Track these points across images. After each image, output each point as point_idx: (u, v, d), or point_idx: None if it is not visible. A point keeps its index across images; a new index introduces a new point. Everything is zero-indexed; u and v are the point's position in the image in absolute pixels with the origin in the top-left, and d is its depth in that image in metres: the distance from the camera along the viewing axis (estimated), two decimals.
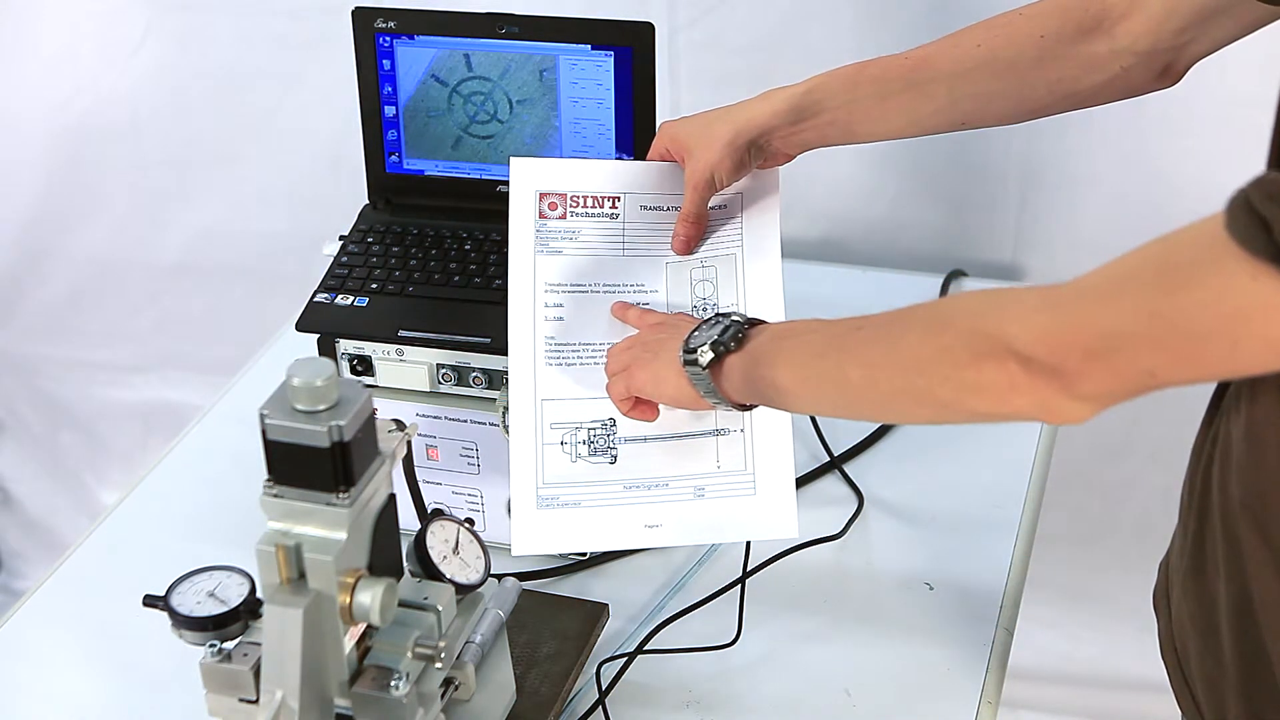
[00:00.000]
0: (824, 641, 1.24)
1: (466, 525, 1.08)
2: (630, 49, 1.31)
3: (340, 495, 0.91)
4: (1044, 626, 1.96)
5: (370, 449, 0.94)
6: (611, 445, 1.13)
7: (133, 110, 2.02)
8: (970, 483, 1.41)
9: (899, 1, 1.68)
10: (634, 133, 1.33)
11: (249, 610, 0.96)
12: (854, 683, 1.19)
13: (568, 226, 1.18)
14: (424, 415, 1.30)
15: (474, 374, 1.28)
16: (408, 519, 1.04)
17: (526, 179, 1.19)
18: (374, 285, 1.32)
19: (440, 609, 1.00)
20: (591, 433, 1.13)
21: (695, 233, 1.18)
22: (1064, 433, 1.50)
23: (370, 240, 1.37)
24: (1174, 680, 1.01)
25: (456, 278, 1.32)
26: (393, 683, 0.95)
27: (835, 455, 1.43)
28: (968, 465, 1.42)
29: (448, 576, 1.03)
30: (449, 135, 1.38)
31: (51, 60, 2.02)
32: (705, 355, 1.01)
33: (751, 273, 1.17)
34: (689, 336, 1.04)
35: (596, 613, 1.22)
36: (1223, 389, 0.93)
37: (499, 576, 1.12)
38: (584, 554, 1.31)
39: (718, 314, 1.06)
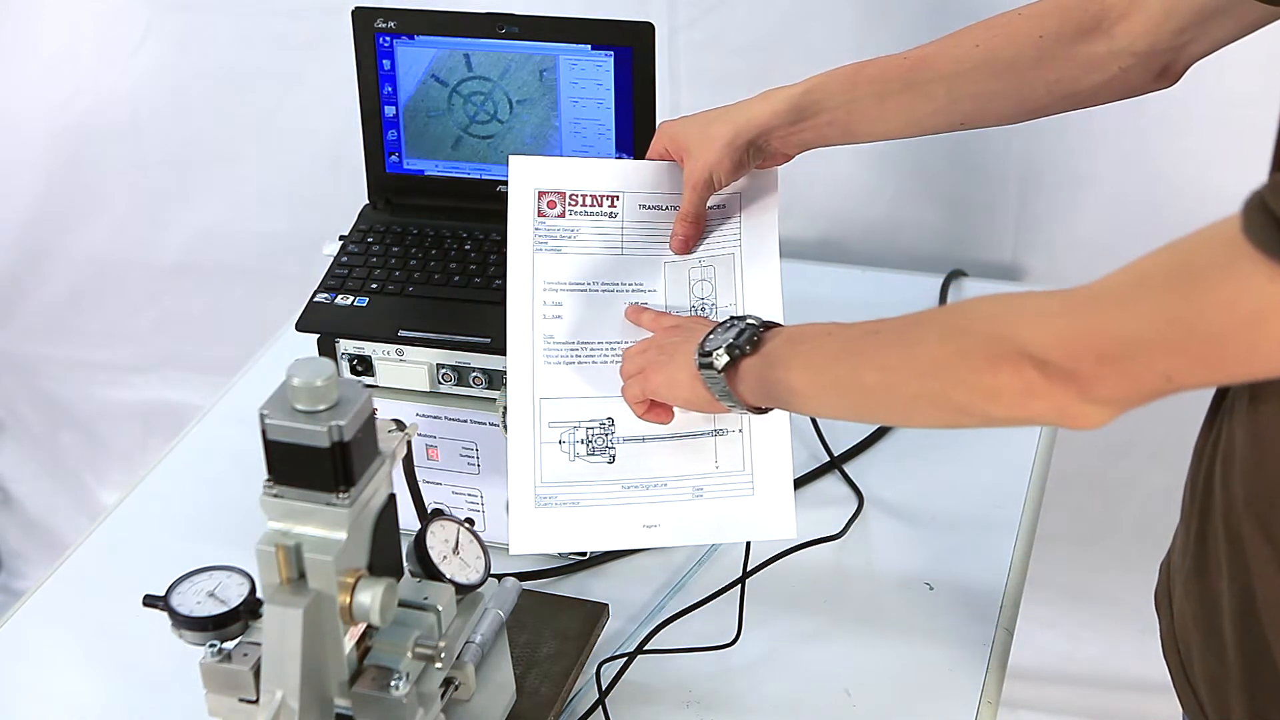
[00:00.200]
0: (824, 641, 1.24)
1: (466, 525, 1.08)
2: (630, 49, 1.31)
3: (340, 495, 0.91)
4: (1044, 626, 1.96)
5: (370, 449, 0.94)
6: (610, 445, 1.13)
7: (133, 110, 2.03)
8: (970, 483, 1.41)
9: (899, 1, 1.68)
10: (634, 133, 1.33)
11: (249, 610, 0.96)
12: (854, 683, 1.19)
13: (567, 225, 1.19)
14: (424, 415, 1.30)
15: (474, 374, 1.28)
16: (408, 519, 1.04)
17: (525, 177, 1.19)
18: (374, 285, 1.32)
19: (440, 609, 1.00)
20: (590, 432, 1.13)
21: (694, 232, 1.18)
22: (1064, 432, 1.50)
23: (370, 240, 1.37)
24: (1176, 680, 1.01)
25: (456, 278, 1.32)
26: (393, 683, 0.95)
27: (835, 455, 1.43)
28: (968, 465, 1.42)
29: (448, 576, 1.03)
30: (449, 135, 1.38)
31: (51, 60, 2.02)
32: (720, 359, 1.01)
33: (750, 272, 1.17)
34: (704, 340, 1.04)
35: (596, 613, 1.22)
36: (1225, 389, 0.93)
37: (499, 576, 1.12)
38: (584, 554, 1.32)
39: (733, 317, 1.05)
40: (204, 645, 0.96)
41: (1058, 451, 1.48)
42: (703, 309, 1.17)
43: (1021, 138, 1.71)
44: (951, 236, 1.82)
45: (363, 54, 1.36)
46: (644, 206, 1.20)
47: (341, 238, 1.38)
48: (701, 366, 1.03)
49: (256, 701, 0.94)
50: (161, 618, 0.97)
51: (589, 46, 1.32)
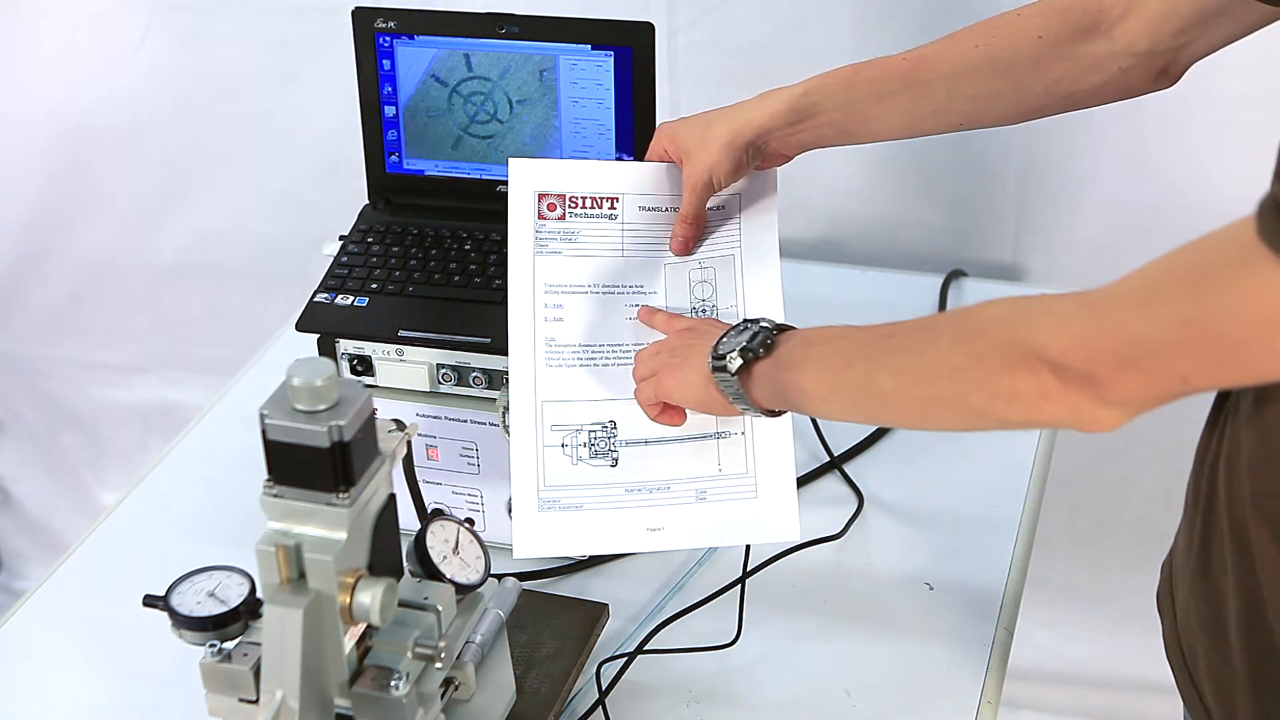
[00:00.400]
0: (824, 641, 1.24)
1: (466, 525, 1.08)
2: (630, 49, 1.31)
3: (340, 495, 0.91)
4: (1044, 626, 1.97)
5: (370, 449, 0.94)
6: (612, 448, 1.13)
7: (133, 110, 2.03)
8: (970, 483, 1.41)
9: (899, 1, 1.68)
10: (634, 133, 1.33)
11: (249, 610, 0.96)
12: (854, 683, 1.19)
13: (566, 227, 1.18)
14: (424, 415, 1.30)
15: (474, 374, 1.28)
16: (408, 519, 1.04)
17: (525, 179, 1.19)
18: (374, 285, 1.32)
19: (440, 609, 1.00)
20: (592, 435, 1.13)
21: (693, 234, 1.18)
22: (1064, 432, 1.50)
23: (370, 240, 1.37)
24: (1180, 680, 1.00)
25: (456, 278, 1.32)
26: (393, 683, 0.95)
27: (835, 455, 1.43)
28: (968, 465, 1.42)
29: (448, 576, 1.03)
30: (449, 135, 1.38)
31: (51, 60, 2.02)
32: (734, 362, 1.01)
33: (750, 273, 1.17)
34: (717, 343, 1.04)
35: (596, 613, 1.22)
36: (1228, 390, 0.93)
37: (499, 576, 1.12)
38: (584, 554, 1.31)
39: (746, 320, 1.05)
40: (204, 645, 0.96)
41: (1058, 451, 1.48)
42: (703, 310, 1.17)
43: (1022, 138, 1.71)
44: (951, 236, 1.82)
45: (363, 54, 1.36)
46: (644, 208, 1.20)
47: (341, 238, 1.38)
48: (715, 370, 1.03)
49: (256, 701, 0.94)
50: (161, 618, 0.97)
51: (589, 46, 1.32)
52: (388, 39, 1.36)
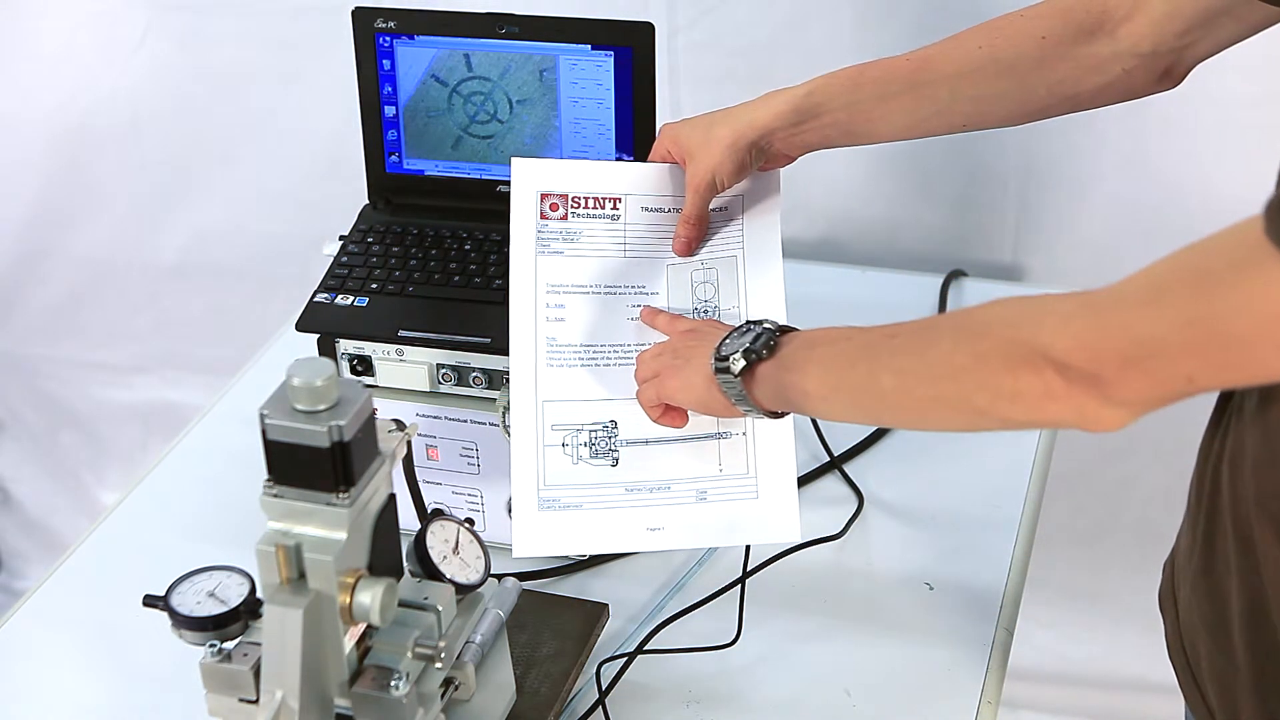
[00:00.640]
0: (824, 641, 1.24)
1: (466, 525, 1.08)
2: (630, 49, 1.31)
3: (340, 495, 0.91)
4: (1044, 626, 1.97)
5: (370, 449, 0.94)
6: (613, 448, 1.13)
7: (133, 110, 2.02)
8: (970, 483, 1.41)
9: (899, 2, 1.68)
10: (634, 133, 1.33)
11: (249, 610, 0.96)
12: (854, 683, 1.19)
13: (569, 227, 1.18)
14: (424, 415, 1.30)
15: (474, 374, 1.28)
16: (408, 519, 1.04)
17: (528, 179, 1.19)
18: (374, 285, 1.32)
19: (440, 609, 1.00)
20: (593, 435, 1.13)
21: (696, 234, 1.18)
22: (1064, 432, 1.50)
23: (370, 240, 1.37)
24: (1183, 680, 1.00)
25: (456, 278, 1.32)
26: (393, 683, 0.95)
27: (835, 455, 1.43)
28: (968, 465, 1.42)
29: (448, 576, 1.03)
30: (449, 135, 1.38)
31: (51, 60, 2.02)
32: (737, 363, 1.01)
33: (753, 274, 1.17)
34: (720, 344, 1.04)
35: (596, 613, 1.22)
36: (1231, 390, 0.93)
37: (499, 576, 1.12)
38: (584, 554, 1.31)
39: (749, 321, 1.05)
40: (204, 645, 0.96)
41: (1058, 451, 1.48)
42: (705, 311, 1.17)
43: (1022, 138, 1.71)
44: (951, 236, 1.82)
45: (363, 54, 1.36)
46: (646, 209, 1.20)
47: (341, 238, 1.38)
48: (718, 371, 1.03)
49: (256, 701, 0.94)
50: (161, 618, 0.97)
51: (589, 46, 1.32)
52: (388, 39, 1.36)
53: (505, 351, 1.16)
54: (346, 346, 1.30)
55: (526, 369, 1.14)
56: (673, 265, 1.19)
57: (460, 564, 1.05)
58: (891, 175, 1.81)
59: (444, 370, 1.29)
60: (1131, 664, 1.95)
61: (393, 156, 1.40)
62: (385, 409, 1.15)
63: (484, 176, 1.39)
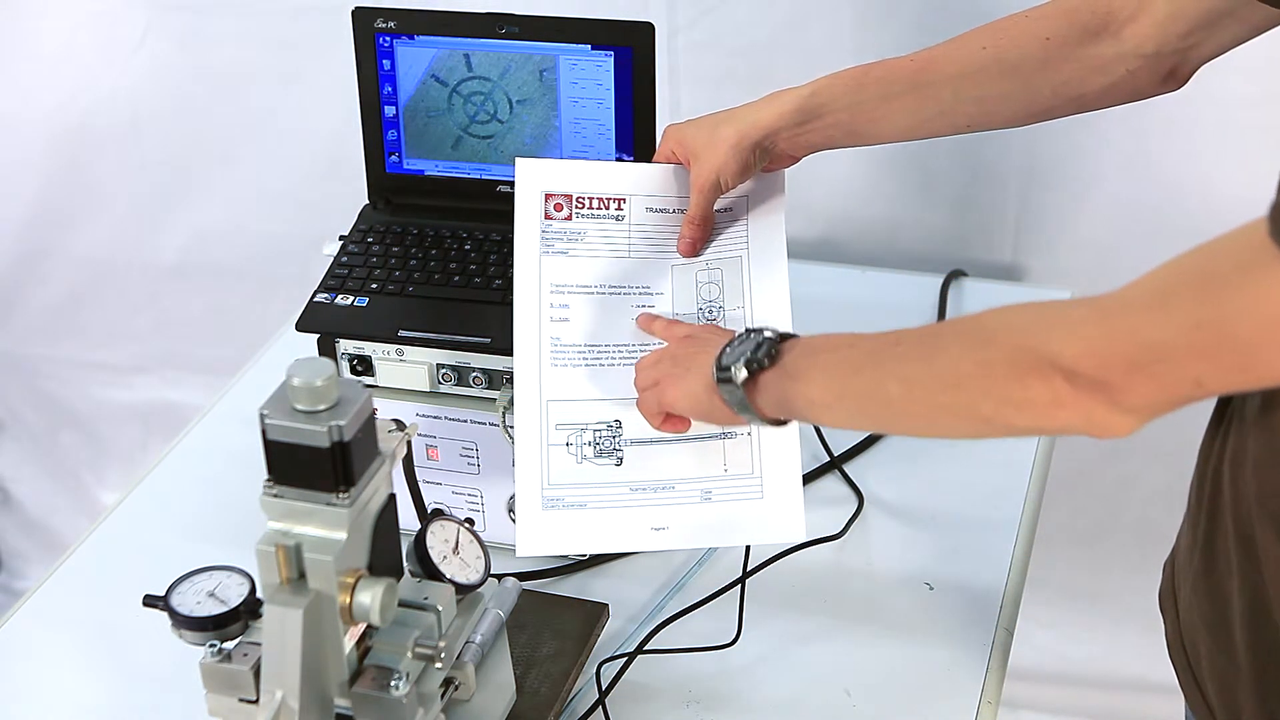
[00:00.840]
0: (824, 641, 1.24)
1: (466, 525, 1.08)
2: (630, 49, 1.31)
3: (340, 495, 0.91)
4: (1044, 626, 1.97)
5: (370, 449, 0.94)
6: (617, 447, 1.13)
7: (133, 110, 2.03)
8: (970, 483, 1.41)
9: (899, 1, 1.68)
10: (634, 133, 1.33)
11: (249, 610, 0.96)
12: (854, 683, 1.19)
13: (573, 228, 1.18)
14: (424, 415, 1.30)
15: (474, 374, 1.28)
16: (408, 519, 1.04)
17: (532, 179, 1.19)
18: (374, 285, 1.32)
19: (440, 609, 1.00)
20: (597, 434, 1.13)
21: (701, 235, 1.18)
22: None
23: (370, 240, 1.37)
24: (1183, 680, 1.00)
25: (456, 278, 1.32)
26: (393, 683, 0.95)
27: (835, 455, 1.43)
28: (968, 465, 1.42)
29: (448, 576, 1.03)
30: (449, 135, 1.38)
31: (51, 60, 2.02)
32: (740, 373, 1.00)
33: (757, 275, 1.17)
34: (721, 353, 1.02)
35: (596, 613, 1.22)
36: None
37: (499, 576, 1.12)
38: (584, 554, 1.31)
39: (748, 329, 1.03)
40: (204, 645, 0.96)
41: (1058, 451, 1.48)
42: (710, 312, 1.17)
43: (1023, 138, 1.71)
44: (951, 236, 1.82)
45: (363, 54, 1.36)
46: (651, 209, 1.20)
47: (341, 238, 1.38)
48: (720, 381, 1.01)
49: (256, 701, 0.94)
50: (161, 618, 0.97)
51: (589, 46, 1.32)
52: (388, 39, 1.36)
53: (505, 351, 1.16)
54: (346, 346, 1.30)
55: (530, 368, 1.14)
56: (677, 266, 1.19)
57: (460, 564, 1.05)
58: (892, 175, 1.81)
59: (444, 370, 1.29)
60: (1131, 664, 1.95)
61: (393, 156, 1.40)
62: (385, 409, 1.15)
63: (484, 176, 1.39)
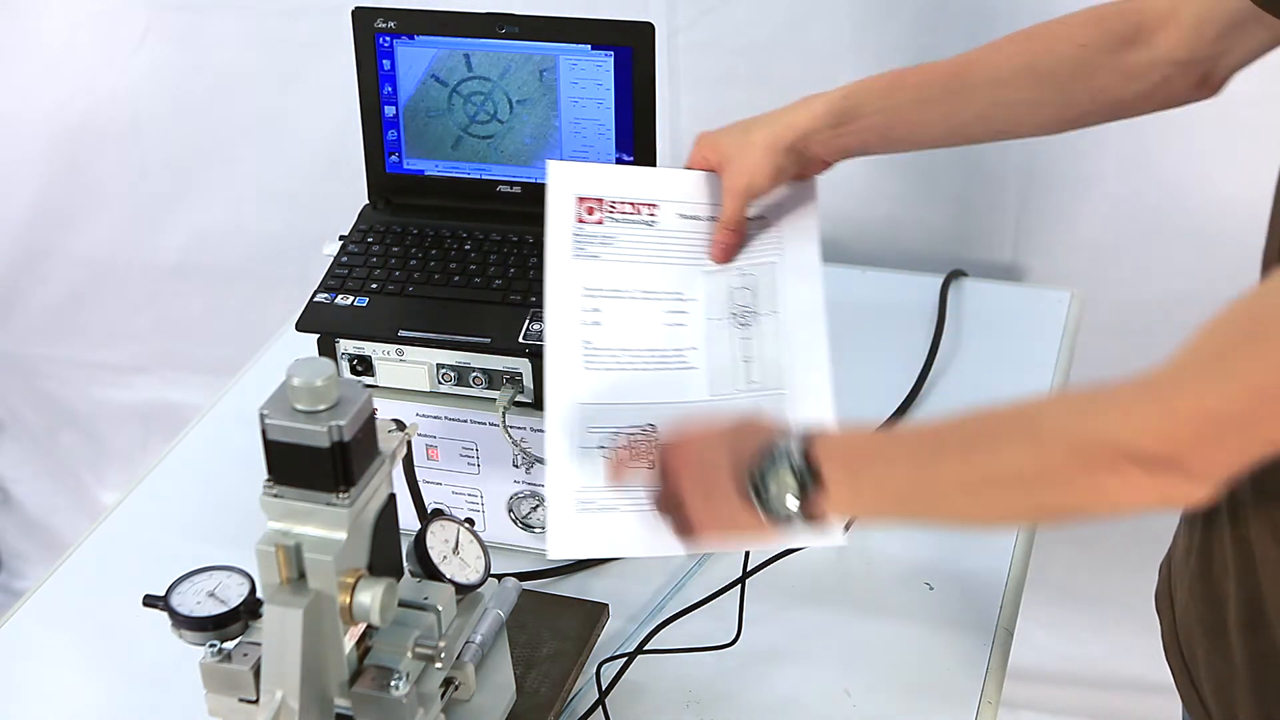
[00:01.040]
0: (824, 641, 1.24)
1: (466, 525, 1.08)
2: (630, 49, 1.31)
3: (340, 495, 0.91)
4: (1044, 626, 1.97)
5: (370, 449, 0.94)
6: (650, 451, 1.12)
7: (133, 110, 2.03)
8: None
9: (899, 2, 1.68)
10: (634, 133, 1.33)
11: (249, 610, 0.96)
12: (854, 683, 1.19)
13: (605, 232, 1.18)
14: (424, 415, 1.30)
15: (474, 374, 1.28)
16: (408, 519, 1.04)
17: (565, 183, 1.18)
18: (374, 285, 1.32)
19: (440, 609, 1.00)
20: (630, 438, 1.12)
21: (734, 241, 1.17)
22: None
23: (370, 240, 1.37)
24: (1180, 681, 1.00)
25: (456, 278, 1.32)
26: (393, 683, 0.95)
27: None
28: None
29: (448, 576, 1.03)
30: (449, 135, 1.38)
31: (51, 60, 2.02)
32: (791, 505, 0.91)
33: (790, 282, 1.16)
34: (751, 482, 0.93)
35: (596, 613, 1.22)
36: None
37: (499, 576, 1.12)
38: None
39: (768, 448, 0.93)
40: (204, 645, 0.96)
41: None
42: (743, 318, 1.16)
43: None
44: (951, 236, 1.82)
45: (363, 54, 1.36)
46: (683, 216, 1.19)
47: (341, 238, 1.38)
48: (768, 516, 0.92)
49: (256, 701, 0.94)
50: (161, 618, 0.97)
51: (589, 46, 1.32)
52: (388, 39, 1.36)
53: (505, 351, 1.16)
54: (346, 346, 1.30)
55: (563, 371, 1.13)
56: (709, 272, 1.18)
57: (460, 564, 1.05)
58: (892, 175, 1.81)
59: (444, 370, 1.29)
60: (1131, 664, 1.95)
61: (393, 156, 1.40)
62: (385, 409, 1.15)
63: (484, 176, 1.39)
